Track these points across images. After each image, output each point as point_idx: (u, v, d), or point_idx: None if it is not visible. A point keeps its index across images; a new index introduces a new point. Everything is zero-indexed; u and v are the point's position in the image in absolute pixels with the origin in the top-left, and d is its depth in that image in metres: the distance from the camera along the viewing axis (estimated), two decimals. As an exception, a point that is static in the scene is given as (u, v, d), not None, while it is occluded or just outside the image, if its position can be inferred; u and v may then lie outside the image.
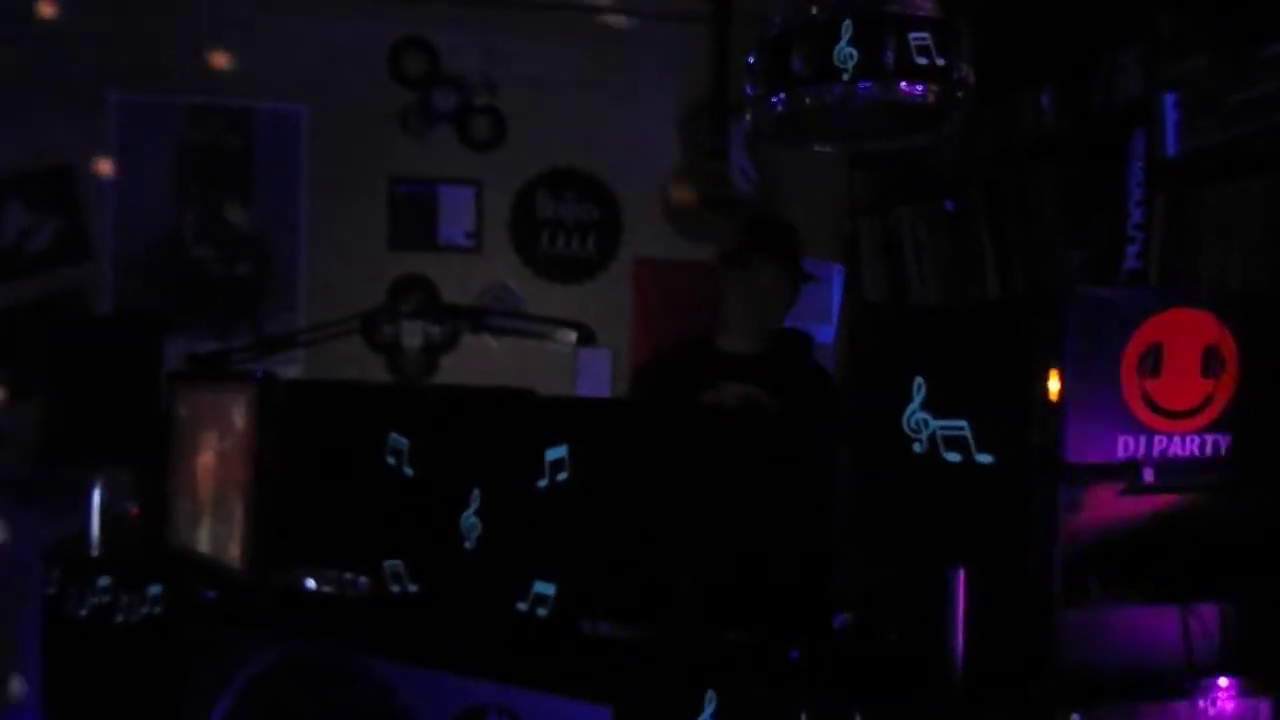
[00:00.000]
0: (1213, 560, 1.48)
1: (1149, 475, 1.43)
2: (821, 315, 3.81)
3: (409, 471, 1.74)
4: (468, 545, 1.67)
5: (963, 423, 1.25)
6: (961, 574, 1.35)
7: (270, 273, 3.84)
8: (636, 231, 4.08)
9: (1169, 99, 2.10)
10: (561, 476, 1.57)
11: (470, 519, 1.66)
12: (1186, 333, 1.45)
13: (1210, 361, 1.47)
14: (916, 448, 1.29)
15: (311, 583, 1.86)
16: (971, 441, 1.24)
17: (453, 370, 3.95)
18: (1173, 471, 1.44)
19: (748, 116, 1.90)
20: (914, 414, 1.29)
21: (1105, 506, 1.43)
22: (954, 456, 1.26)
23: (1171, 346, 1.45)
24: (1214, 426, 1.48)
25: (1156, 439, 1.45)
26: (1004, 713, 1.36)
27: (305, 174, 3.86)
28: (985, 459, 1.24)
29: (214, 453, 1.92)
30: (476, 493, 1.66)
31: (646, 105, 4.02)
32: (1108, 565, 1.47)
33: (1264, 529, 1.48)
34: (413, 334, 3.87)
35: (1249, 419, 1.48)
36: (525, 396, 1.72)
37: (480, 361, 3.88)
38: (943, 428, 1.26)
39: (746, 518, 1.56)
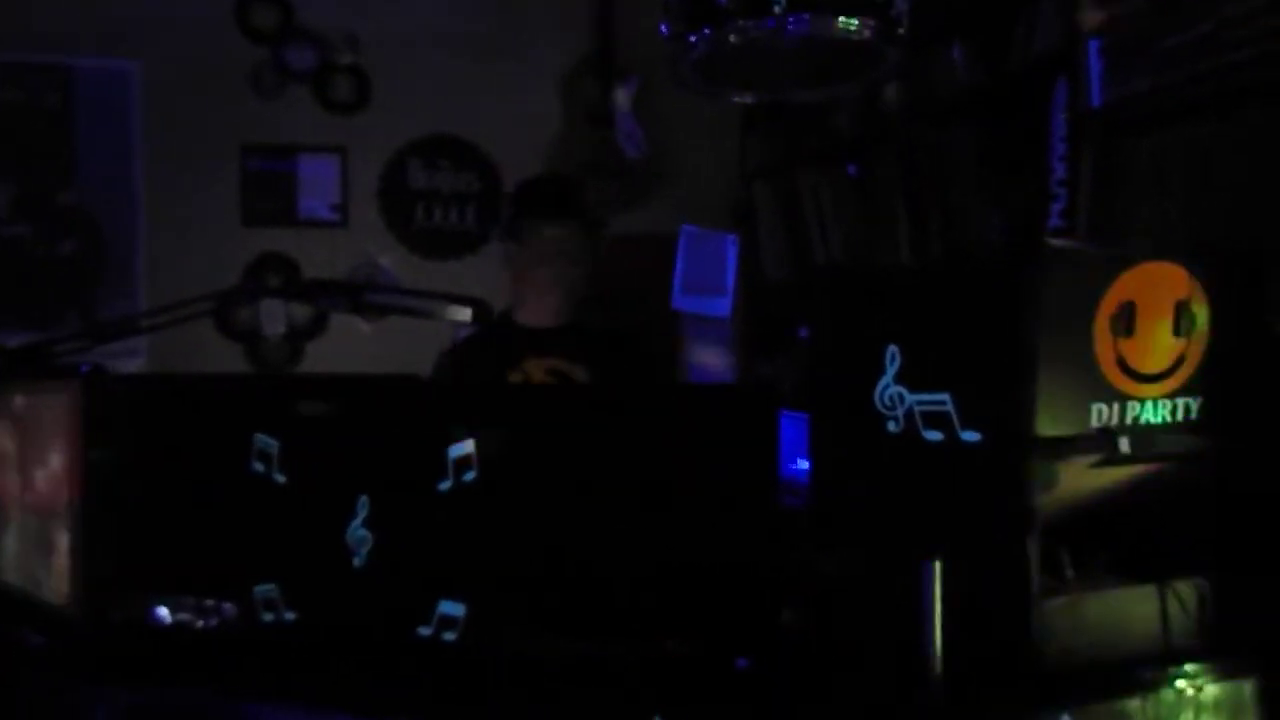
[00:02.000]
0: (1187, 534, 1.40)
1: (1125, 446, 1.34)
2: (715, 288, 3.68)
3: (280, 478, 1.48)
4: (356, 562, 1.43)
5: (944, 396, 1.11)
6: (937, 564, 1.22)
7: (102, 253, 3.42)
8: (519, 202, 3.83)
9: (1092, 45, 2.03)
10: (468, 476, 1.36)
11: (358, 531, 1.42)
12: (1158, 289, 1.36)
13: (1182, 319, 1.38)
14: (891, 426, 1.14)
15: (165, 614, 1.57)
16: (955, 417, 1.10)
17: (320, 358, 3.63)
18: (1146, 440, 1.35)
19: (672, 64, 1.71)
20: (887, 388, 1.14)
21: (1075, 480, 1.33)
22: (935, 435, 1.11)
23: (1144, 304, 1.35)
24: (1185, 389, 1.39)
25: (1130, 405, 1.36)
26: (991, 714, 1.24)
27: (140, 140, 3.45)
28: (971, 437, 1.10)
29: (31, 466, 1.61)
30: (364, 500, 1.42)
31: (527, 65, 3.77)
32: (1079, 545, 1.37)
33: (1235, 498, 1.41)
34: (273, 318, 3.53)
35: (1218, 380, 1.40)
36: (417, 384, 1.48)
37: (352, 348, 3.58)
38: (921, 402, 1.12)
39: (684, 510, 1.38)
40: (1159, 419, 1.38)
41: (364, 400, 1.46)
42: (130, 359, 3.19)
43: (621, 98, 3.77)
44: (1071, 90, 2.10)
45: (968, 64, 2.49)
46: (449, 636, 1.35)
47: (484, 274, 3.76)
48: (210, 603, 1.54)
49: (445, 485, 1.35)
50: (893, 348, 1.13)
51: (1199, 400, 1.39)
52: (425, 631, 1.36)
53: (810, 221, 3.21)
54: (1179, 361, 1.38)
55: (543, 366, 2.26)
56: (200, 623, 1.53)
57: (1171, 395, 1.38)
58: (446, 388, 1.43)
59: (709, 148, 3.73)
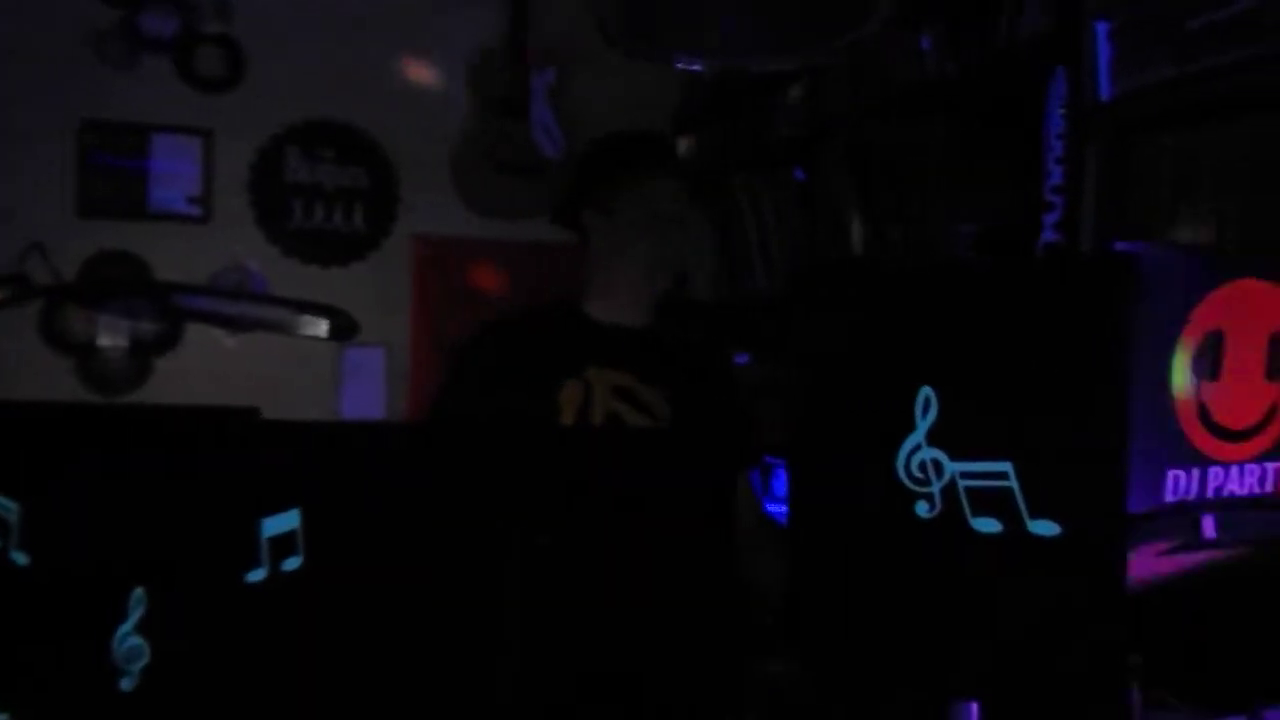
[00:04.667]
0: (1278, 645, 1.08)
1: (1210, 529, 1.01)
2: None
3: (20, 559, 1.04)
4: (125, 684, 1.00)
5: (1005, 466, 0.75)
6: (975, 708, 0.87)
7: (-107, 244, 2.88)
8: (416, 203, 3.41)
9: (1101, 29, 1.73)
10: (290, 563, 0.94)
11: (129, 640, 0.99)
12: (1252, 316, 1.04)
13: (1276, 358, 1.07)
14: (921, 509, 0.78)
15: None
16: (1021, 498, 0.75)
17: (171, 377, 3.13)
18: (1237, 521, 1.03)
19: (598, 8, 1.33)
20: (918, 451, 0.78)
21: (1142, 574, 0.99)
22: (989, 525, 0.76)
23: (1234, 336, 1.03)
24: (1276, 451, 1.08)
25: (1212, 471, 1.03)
26: None
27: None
28: (1046, 529, 0.75)
29: None
30: (139, 595, 0.99)
31: (430, 46, 3.37)
32: (1145, 662, 1.03)
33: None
34: (114, 328, 3.02)
35: (1313, 438, 1.09)
36: (236, 423, 1.06)
37: (211, 365, 3.10)
38: (969, 474, 0.76)
39: (605, 609, 1.00)
40: (1245, 490, 1.05)
41: (145, 448, 1.02)
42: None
43: (537, 89, 3.39)
44: (1072, 81, 1.80)
45: (940, 52, 2.19)
46: (258, 798, 0.94)
47: (374, 282, 3.33)
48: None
49: (258, 575, 0.94)
50: (927, 391, 0.77)
51: (1293, 465, 1.07)
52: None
53: (749, 232, 2.88)
54: (1270, 414, 1.06)
55: (609, 382, 1.68)
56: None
57: (1261, 458, 1.06)
58: (268, 430, 1.01)
59: (635, 148, 3.37)
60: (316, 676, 0.93)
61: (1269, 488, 1.08)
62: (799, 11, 1.36)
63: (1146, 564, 0.99)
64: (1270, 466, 1.08)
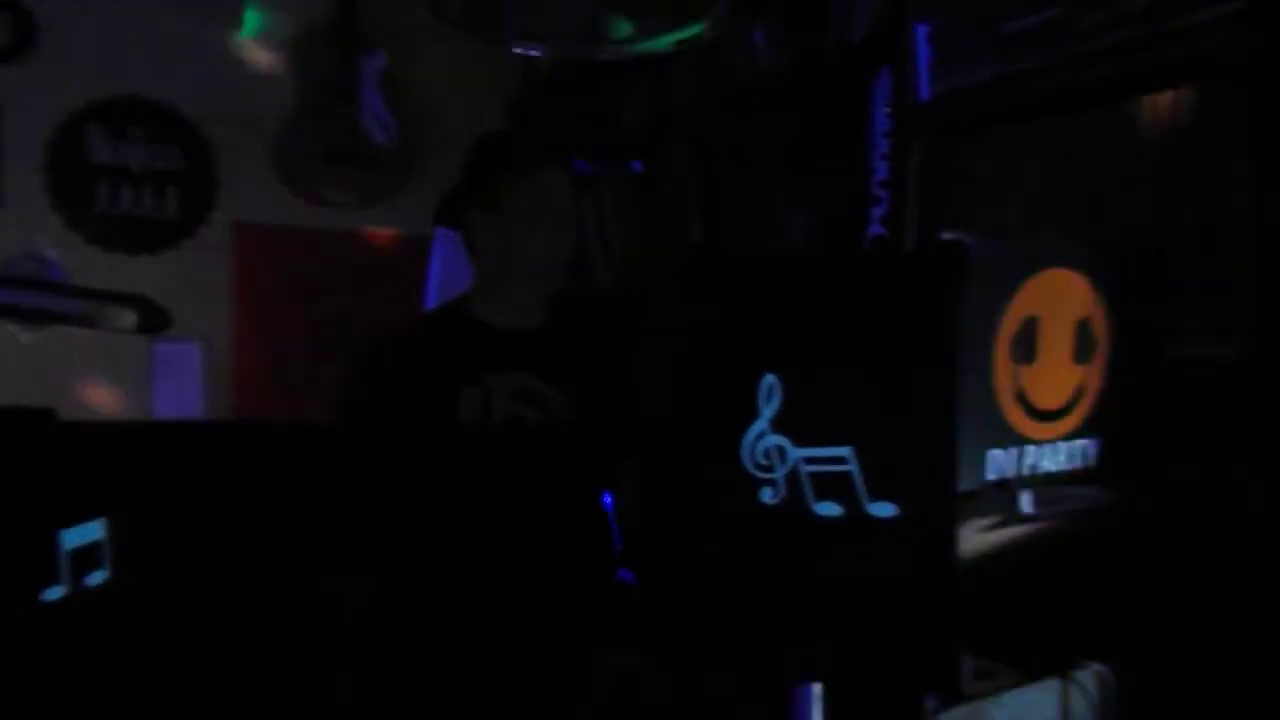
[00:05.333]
0: (1089, 608, 1.16)
1: (1027, 504, 1.07)
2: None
3: None
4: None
5: (846, 451, 0.77)
6: (818, 689, 0.88)
7: None
8: (237, 188, 3.22)
9: (920, 31, 1.82)
10: (94, 577, 0.86)
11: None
12: (1061, 303, 1.11)
13: (1083, 342, 1.14)
14: (766, 495, 0.78)
15: None
16: (861, 482, 0.77)
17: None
18: (1049, 495, 1.09)
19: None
20: (762, 439, 0.78)
21: (966, 549, 1.04)
22: (831, 509, 0.77)
23: (1047, 322, 1.09)
24: (1084, 429, 1.15)
25: (1028, 450, 1.10)
26: None
27: None
28: (884, 510, 0.77)
29: None
30: (-85, 619, 0.89)
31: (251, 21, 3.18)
32: (972, 628, 1.09)
33: (1140, 561, 1.19)
34: (-116, 323, 2.71)
35: (1116, 416, 1.17)
36: (30, 426, 0.97)
37: (3, 364, 2.83)
38: (812, 460, 0.77)
39: (449, 605, 0.97)
40: (1058, 466, 1.12)
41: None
42: None
43: (368, 72, 3.26)
44: (896, 81, 1.88)
45: (773, 49, 2.24)
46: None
47: (190, 273, 3.12)
48: None
49: (56, 592, 0.86)
50: (770, 379, 0.77)
51: (1098, 443, 1.16)
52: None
53: (588, 224, 2.86)
54: (1078, 394, 1.14)
55: (509, 385, 1.63)
56: None
57: (1070, 436, 1.14)
58: (66, 432, 0.92)
59: (471, 137, 3.30)
60: (124, 702, 0.85)
61: (1079, 463, 1.16)
62: (639, 4, 1.36)
63: (973, 540, 1.04)
64: (1080, 444, 1.16)
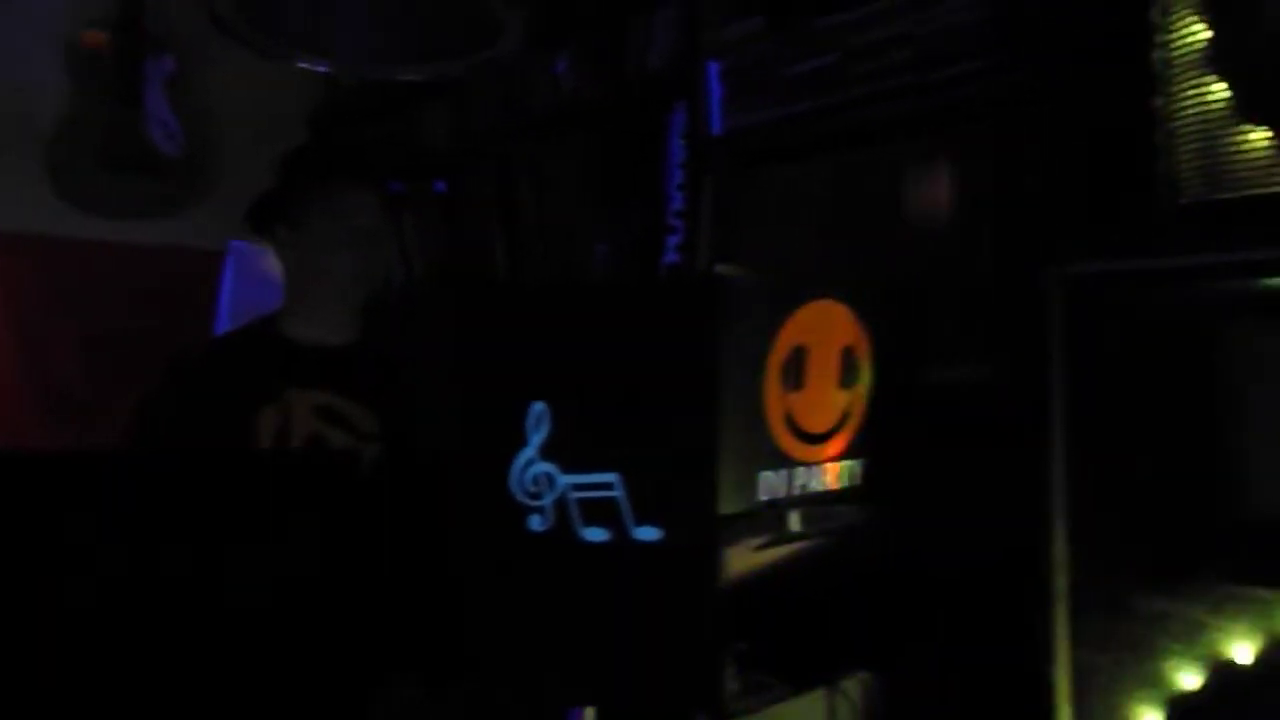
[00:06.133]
0: (854, 620, 1.23)
1: (796, 523, 1.13)
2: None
3: None
4: None
5: (613, 477, 0.78)
6: (590, 713, 0.89)
7: None
8: (3, 194, 2.96)
9: (712, 69, 1.89)
10: None
11: None
12: (828, 332, 1.18)
13: (848, 369, 1.22)
14: (535, 522, 0.79)
15: None
16: (627, 507, 0.79)
17: None
18: (816, 515, 1.15)
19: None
20: (531, 466, 0.79)
21: (740, 566, 1.09)
22: (598, 534, 0.79)
23: (814, 350, 1.16)
24: (850, 451, 1.23)
25: (797, 471, 1.15)
26: None
27: None
28: (649, 535, 0.79)
29: None
30: None
31: (17, 16, 2.93)
32: (745, 641, 1.13)
33: (900, 575, 1.27)
34: None
35: (879, 440, 1.25)
36: None
37: None
38: (580, 486, 0.79)
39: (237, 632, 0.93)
40: (824, 487, 1.19)
41: None
42: None
43: (153, 78, 3.07)
44: (691, 115, 1.95)
45: (574, 78, 2.28)
46: None
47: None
48: None
49: None
50: (539, 406, 0.78)
51: (862, 464, 1.23)
52: None
53: (394, 243, 2.80)
54: (844, 418, 1.21)
55: (310, 403, 1.60)
56: None
57: (837, 458, 1.20)
58: None
59: (267, 150, 3.17)
60: None
61: (845, 483, 1.23)
62: (430, 25, 1.35)
63: (745, 559, 1.08)
64: (845, 464, 1.23)
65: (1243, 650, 1.03)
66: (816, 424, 1.16)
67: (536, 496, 0.80)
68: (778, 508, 1.11)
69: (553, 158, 2.33)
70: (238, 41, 1.27)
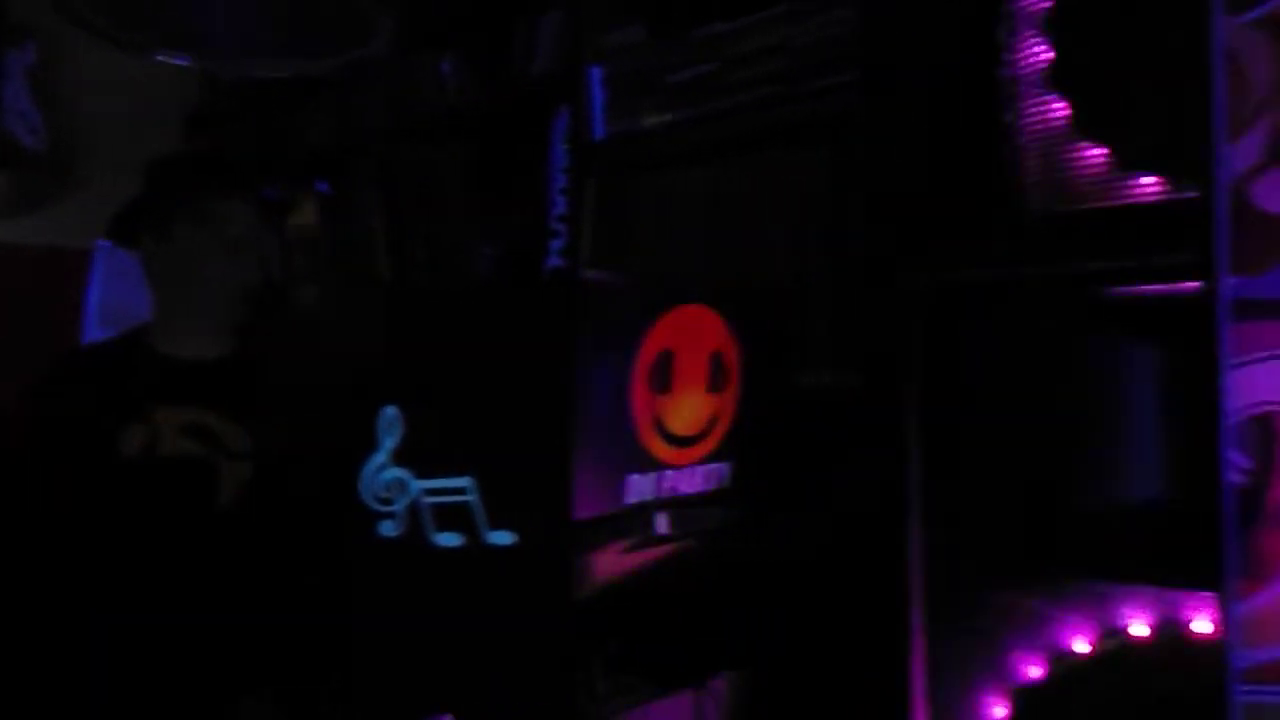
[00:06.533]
0: (723, 620, 1.24)
1: (663, 525, 1.14)
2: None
3: None
4: None
5: (466, 482, 0.78)
6: None
7: None
8: None
9: (595, 74, 1.90)
10: None
11: None
12: (695, 336, 1.19)
13: (716, 372, 1.23)
14: (387, 528, 0.78)
15: None
16: (481, 512, 0.78)
17: None
18: (683, 517, 1.17)
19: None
20: (382, 471, 0.78)
21: (608, 568, 1.09)
22: (451, 539, 0.78)
23: (681, 355, 1.17)
24: (718, 454, 1.24)
25: (666, 475, 1.16)
26: None
27: None
28: (503, 539, 0.79)
29: None
30: None
31: None
32: (613, 642, 1.13)
33: (770, 576, 1.29)
34: None
35: (748, 442, 1.27)
36: None
37: None
38: (433, 491, 0.78)
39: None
40: (693, 489, 1.21)
41: None
42: None
43: (12, 67, 2.92)
44: (573, 120, 1.95)
45: (459, 80, 2.25)
46: None
47: None
48: None
49: None
50: (391, 410, 0.77)
51: (731, 466, 1.25)
52: None
53: (271, 251, 2.72)
54: (713, 421, 1.23)
55: (180, 421, 1.51)
56: None
57: (705, 461, 1.22)
58: None
59: (137, 144, 3.04)
60: None
61: (711, 486, 1.25)
62: (298, 23, 1.32)
63: (611, 561, 1.09)
64: (713, 467, 1.25)
65: (1080, 641, 1.09)
66: (685, 427, 1.18)
67: (388, 502, 0.79)
68: (646, 510, 1.12)
69: (437, 160, 2.30)
70: (89, 32, 1.22)
